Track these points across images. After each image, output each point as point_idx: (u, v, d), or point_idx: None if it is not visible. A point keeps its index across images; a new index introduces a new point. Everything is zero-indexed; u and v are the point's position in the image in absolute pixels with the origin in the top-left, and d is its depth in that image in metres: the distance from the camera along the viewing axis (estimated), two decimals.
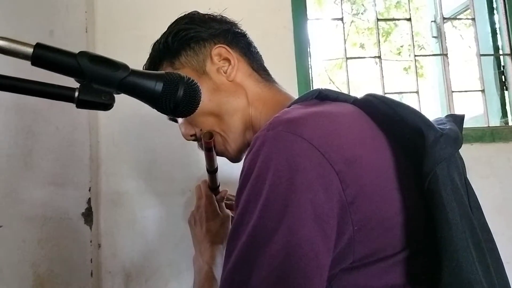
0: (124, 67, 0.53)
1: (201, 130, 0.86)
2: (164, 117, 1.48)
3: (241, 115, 0.83)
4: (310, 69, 1.66)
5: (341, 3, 1.94)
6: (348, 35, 5.32)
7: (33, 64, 0.50)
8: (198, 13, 0.89)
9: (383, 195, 0.58)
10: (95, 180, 1.45)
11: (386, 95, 0.74)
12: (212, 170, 0.97)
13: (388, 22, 5.80)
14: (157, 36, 0.92)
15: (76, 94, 0.49)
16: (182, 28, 0.85)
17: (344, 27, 1.83)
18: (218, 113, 0.83)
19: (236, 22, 0.90)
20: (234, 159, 0.88)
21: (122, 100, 1.56)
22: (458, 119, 0.72)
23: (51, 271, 1.36)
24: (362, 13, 5.64)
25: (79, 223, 1.39)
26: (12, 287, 1.31)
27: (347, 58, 1.80)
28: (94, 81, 0.51)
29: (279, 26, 1.62)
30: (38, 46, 0.49)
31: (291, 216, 0.53)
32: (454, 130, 0.65)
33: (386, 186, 0.59)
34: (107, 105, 0.51)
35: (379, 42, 1.91)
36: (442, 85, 1.92)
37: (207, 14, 0.89)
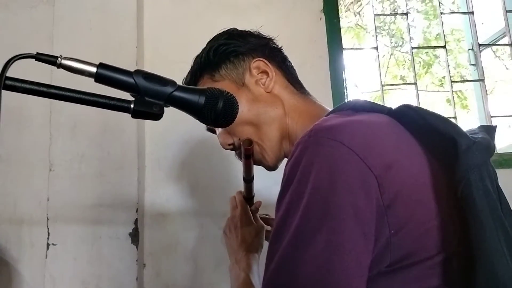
0: (172, 83, 0.60)
1: (239, 139, 0.89)
2: (206, 143, 1.57)
3: (278, 125, 0.86)
4: (346, 98, 1.71)
5: (375, 32, 1.99)
6: (387, 67, 5.34)
7: (96, 80, 0.58)
8: (236, 29, 0.94)
9: (419, 200, 0.59)
10: (142, 203, 1.54)
11: None
12: (248, 178, 0.99)
13: (429, 54, 5.81)
14: None
15: (132, 105, 0.57)
16: (222, 43, 0.90)
17: (378, 55, 1.88)
18: (256, 123, 0.86)
19: (272, 38, 0.95)
20: (271, 167, 0.91)
21: (168, 128, 1.64)
22: (490, 130, 0.73)
23: None
24: (401, 46, 5.65)
25: (126, 243, 1.46)
26: None
27: (382, 85, 1.85)
28: (147, 95, 0.58)
29: (315, 55, 1.69)
30: (101, 66, 0.57)
31: (332, 217, 0.55)
32: (486, 138, 0.66)
33: (422, 191, 0.60)
34: (157, 115, 0.58)
35: (414, 68, 1.94)
36: (482, 112, 1.91)
37: (245, 31, 0.94)
